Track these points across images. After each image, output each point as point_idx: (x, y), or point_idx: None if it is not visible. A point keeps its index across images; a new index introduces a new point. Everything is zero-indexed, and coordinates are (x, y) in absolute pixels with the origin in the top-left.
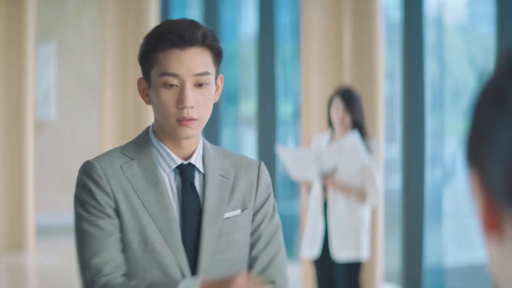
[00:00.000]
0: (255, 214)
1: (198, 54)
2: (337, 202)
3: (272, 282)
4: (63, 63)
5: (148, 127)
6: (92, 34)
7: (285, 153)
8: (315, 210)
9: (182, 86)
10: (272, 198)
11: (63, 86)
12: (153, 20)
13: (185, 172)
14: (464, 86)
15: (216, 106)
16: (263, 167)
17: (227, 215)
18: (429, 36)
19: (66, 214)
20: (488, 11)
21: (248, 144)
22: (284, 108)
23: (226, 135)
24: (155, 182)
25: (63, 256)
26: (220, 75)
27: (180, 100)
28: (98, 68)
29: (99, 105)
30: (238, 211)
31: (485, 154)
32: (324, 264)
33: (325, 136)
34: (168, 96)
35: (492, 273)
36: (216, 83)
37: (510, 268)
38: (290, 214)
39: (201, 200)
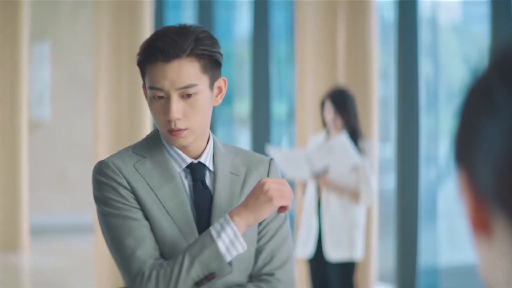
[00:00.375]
0: None
1: (182, 66)
2: (330, 202)
3: (271, 274)
4: (57, 63)
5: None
6: (87, 34)
7: (277, 153)
8: (309, 210)
9: (168, 98)
10: None
11: (58, 86)
12: (147, 21)
13: (195, 170)
14: (458, 86)
15: None
16: (274, 163)
17: None
18: (424, 36)
19: (61, 214)
20: (482, 10)
21: (242, 144)
22: (278, 108)
23: (220, 135)
24: (169, 178)
25: (58, 256)
26: (223, 78)
27: (166, 113)
28: (92, 68)
29: (93, 105)
30: None
31: (473, 153)
32: (318, 264)
33: (320, 136)
34: (157, 107)
35: (481, 274)
36: (214, 87)
37: (499, 269)
38: None
39: (212, 197)
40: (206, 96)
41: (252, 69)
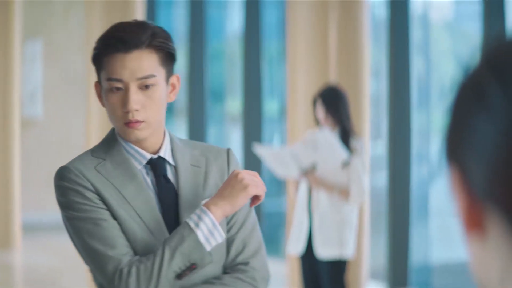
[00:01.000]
0: None
1: (142, 57)
2: (320, 199)
3: (246, 263)
4: (50, 62)
5: (114, 128)
6: (79, 32)
7: (264, 152)
8: (301, 207)
9: (126, 90)
10: None
11: (50, 85)
12: (139, 19)
13: (156, 166)
14: (450, 84)
15: (202, 103)
16: (232, 153)
17: (204, 202)
18: (415, 33)
19: (53, 212)
20: (474, 8)
21: (234, 142)
22: (270, 106)
23: (212, 132)
24: (132, 176)
25: (50, 254)
26: (176, 75)
27: (124, 104)
28: (84, 67)
29: (85, 104)
30: None
31: (465, 150)
32: (309, 261)
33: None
34: (114, 99)
35: (474, 273)
36: (169, 83)
37: (493, 268)
38: (276, 211)
39: (176, 191)
40: (162, 90)
41: (243, 67)
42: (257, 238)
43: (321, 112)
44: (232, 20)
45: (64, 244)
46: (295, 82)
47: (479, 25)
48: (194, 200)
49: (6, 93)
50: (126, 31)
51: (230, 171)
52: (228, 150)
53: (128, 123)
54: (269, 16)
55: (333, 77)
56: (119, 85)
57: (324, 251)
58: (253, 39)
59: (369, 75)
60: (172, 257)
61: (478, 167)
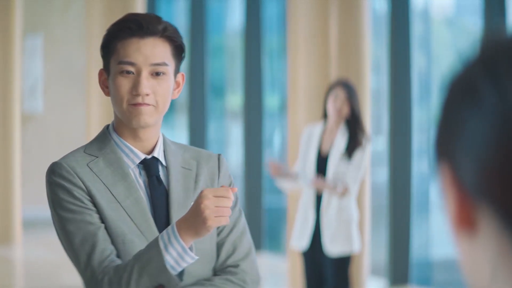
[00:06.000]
0: None
1: (156, 44)
2: (332, 201)
3: (236, 266)
4: (50, 56)
5: (108, 125)
6: (79, 26)
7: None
8: (306, 203)
9: (138, 74)
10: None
11: (50, 79)
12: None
13: (149, 166)
14: (445, 79)
15: (202, 99)
16: (223, 158)
17: None
18: (416, 28)
19: None
20: (474, 3)
21: (235, 137)
22: (271, 101)
23: (212, 128)
24: (123, 176)
25: (50, 249)
26: (181, 73)
27: (135, 87)
28: (85, 61)
29: (85, 98)
30: None
31: (456, 146)
32: (314, 257)
33: (318, 127)
34: (124, 82)
35: (464, 271)
36: (175, 79)
37: (484, 266)
38: (277, 207)
39: (167, 192)
40: (171, 82)
41: (244, 61)
42: (248, 241)
43: (338, 100)
44: (233, 14)
45: None
46: (296, 76)
47: (480, 20)
48: (184, 202)
49: (6, 88)
50: (142, 18)
51: (221, 176)
52: (219, 156)
53: (136, 104)
54: (269, 11)
55: (333, 72)
56: (131, 68)
57: (334, 248)
58: (253, 34)
59: (370, 70)
60: (140, 276)
61: (469, 163)
